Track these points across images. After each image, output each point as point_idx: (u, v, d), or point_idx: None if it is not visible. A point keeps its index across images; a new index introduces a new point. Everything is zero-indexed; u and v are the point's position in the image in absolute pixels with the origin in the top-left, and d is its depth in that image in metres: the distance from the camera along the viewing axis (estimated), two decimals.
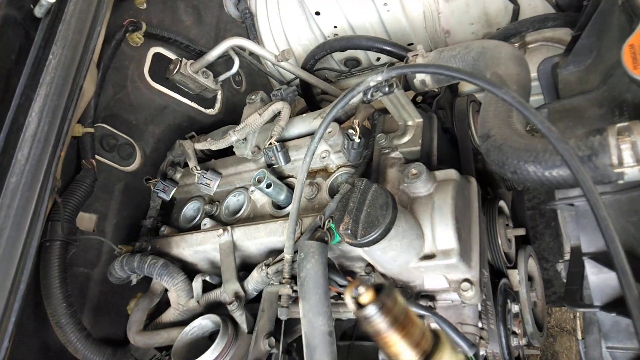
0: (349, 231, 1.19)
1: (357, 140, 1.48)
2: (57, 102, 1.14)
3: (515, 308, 1.70)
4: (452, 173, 1.36)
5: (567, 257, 1.78)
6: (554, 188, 1.10)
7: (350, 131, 1.49)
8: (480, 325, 1.46)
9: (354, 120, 1.49)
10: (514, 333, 1.67)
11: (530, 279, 2.02)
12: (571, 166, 0.96)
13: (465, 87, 2.23)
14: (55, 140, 1.11)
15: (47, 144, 1.10)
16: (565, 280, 1.69)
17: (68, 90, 1.17)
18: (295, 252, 1.38)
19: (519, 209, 2.37)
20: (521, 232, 1.87)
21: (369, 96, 1.25)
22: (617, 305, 1.20)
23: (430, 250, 1.29)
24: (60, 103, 1.15)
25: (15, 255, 1.00)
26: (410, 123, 1.46)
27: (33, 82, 1.19)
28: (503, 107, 1.19)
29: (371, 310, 0.48)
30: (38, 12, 1.28)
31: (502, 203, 1.87)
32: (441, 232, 1.28)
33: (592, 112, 1.25)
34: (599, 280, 1.23)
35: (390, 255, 1.28)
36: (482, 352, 1.52)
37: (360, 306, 0.50)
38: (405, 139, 1.44)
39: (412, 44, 2.40)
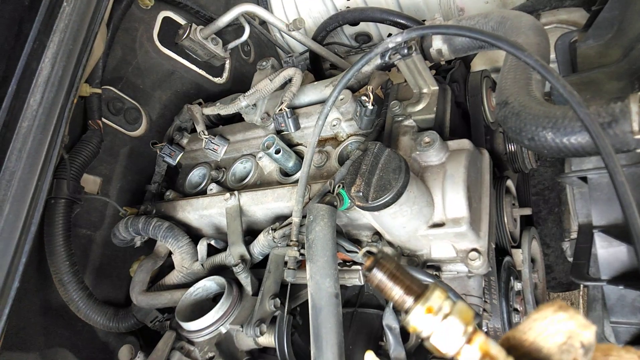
0: (361, 194, 1.18)
1: (370, 107, 1.47)
2: (72, 47, 1.12)
3: (518, 286, 1.71)
4: (465, 143, 1.35)
5: (573, 236, 1.79)
6: (571, 156, 1.09)
7: (364, 98, 1.47)
8: (483, 298, 1.47)
9: (368, 87, 1.48)
10: (516, 310, 1.67)
11: (532, 260, 2.02)
12: (591, 131, 0.95)
13: (477, 66, 2.21)
14: (69, 86, 1.10)
15: (61, 89, 1.08)
16: (570, 259, 1.70)
17: (82, 37, 1.15)
18: (304, 216, 1.37)
19: (524, 192, 2.37)
20: (527, 211, 1.87)
21: (386, 59, 1.24)
22: (625, 278, 1.20)
23: (440, 218, 1.29)
24: (75, 49, 1.13)
25: (27, 198, 0.99)
26: (425, 90, 1.44)
27: (46, 27, 1.17)
28: (522, 74, 1.17)
29: (371, 267, 0.62)
30: None
31: (509, 182, 1.87)
32: (452, 200, 1.27)
33: (611, 86, 1.24)
34: (608, 254, 1.23)
35: (400, 222, 1.27)
36: (483, 327, 1.53)
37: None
38: (420, 107, 1.43)
39: (425, 20, 2.37)
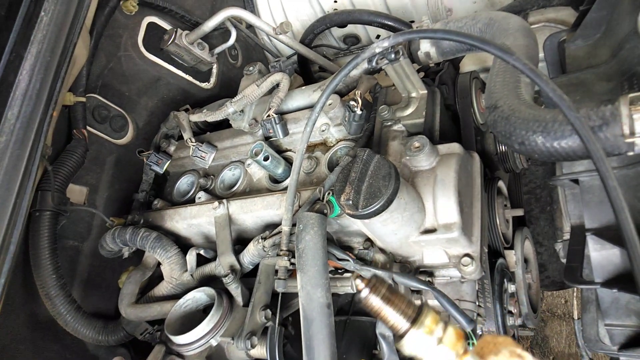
0: (350, 202, 1.16)
1: (358, 112, 1.45)
2: (50, 59, 1.09)
3: (511, 288, 1.70)
4: (455, 147, 1.33)
5: (566, 236, 1.78)
6: (562, 160, 1.07)
7: (352, 103, 1.45)
8: (477, 302, 1.45)
9: (356, 92, 1.46)
10: (510, 312, 1.66)
11: (525, 260, 2.01)
12: (582, 135, 0.94)
13: (466, 67, 2.19)
14: (47, 99, 1.06)
15: (39, 102, 1.05)
16: (563, 260, 1.69)
17: (61, 47, 1.12)
18: (294, 224, 1.35)
19: (516, 192, 2.36)
20: (519, 212, 1.86)
21: (373, 63, 1.22)
22: (618, 281, 1.19)
23: (431, 224, 1.27)
24: (53, 61, 1.10)
25: (5, 216, 0.96)
26: (414, 94, 1.42)
27: (24, 38, 1.13)
28: (511, 77, 1.16)
29: (365, 292, 0.66)
30: None
31: (500, 183, 1.85)
32: (443, 206, 1.25)
33: (601, 86, 1.23)
34: (601, 256, 1.22)
35: (391, 228, 1.25)
36: (478, 330, 1.52)
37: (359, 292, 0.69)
38: (409, 111, 1.41)
39: (413, 21, 2.35)
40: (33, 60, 1.11)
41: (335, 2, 2.38)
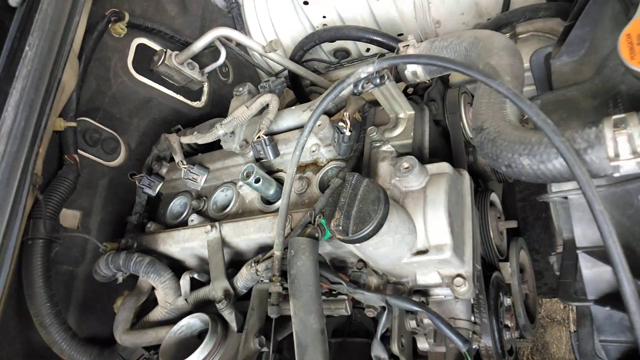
0: (340, 227, 1.16)
1: (347, 133, 1.45)
2: (35, 96, 1.09)
3: (507, 301, 1.70)
4: (444, 166, 1.33)
5: (559, 249, 1.77)
6: (549, 181, 1.08)
7: (341, 124, 1.45)
8: (472, 319, 1.45)
9: (345, 113, 1.46)
10: (507, 326, 1.66)
11: (521, 270, 2.02)
12: (567, 159, 0.94)
13: (456, 78, 2.20)
14: (32, 136, 1.06)
15: (24, 140, 1.05)
16: (557, 273, 1.68)
17: (46, 83, 1.12)
18: (286, 248, 1.34)
19: (510, 201, 2.37)
20: (513, 224, 1.86)
21: (359, 88, 1.22)
22: (611, 299, 1.19)
23: (423, 245, 1.27)
24: (38, 97, 1.10)
25: None
26: (401, 115, 1.43)
27: (8, 75, 1.13)
28: (496, 98, 1.16)
29: None
30: (13, 1, 1.22)
31: (493, 196, 1.86)
32: (434, 227, 1.25)
33: (587, 104, 1.23)
34: (593, 274, 1.22)
35: (383, 251, 1.25)
36: (474, 346, 1.52)
37: None
38: (397, 132, 1.41)
39: (402, 34, 2.36)
40: (18, 96, 1.11)
41: (324, 17, 2.39)
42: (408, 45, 1.45)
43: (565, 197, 1.32)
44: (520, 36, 2.19)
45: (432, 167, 1.35)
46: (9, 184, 1.01)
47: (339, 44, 2.49)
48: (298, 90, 2.38)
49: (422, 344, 1.46)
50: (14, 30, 1.20)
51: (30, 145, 1.05)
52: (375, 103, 1.62)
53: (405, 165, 1.31)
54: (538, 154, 1.01)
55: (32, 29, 1.17)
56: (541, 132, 1.00)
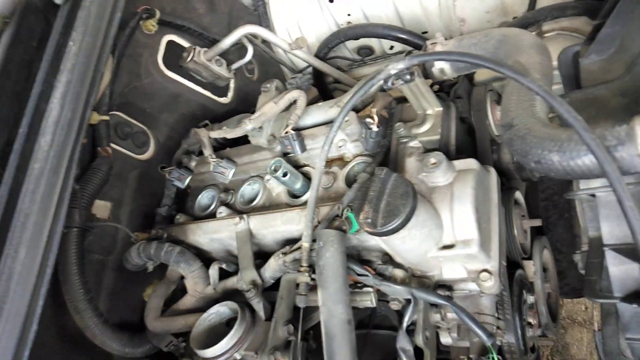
0: (369, 220, 1.19)
1: (375, 129, 1.47)
2: (79, 88, 1.14)
3: (530, 299, 1.70)
4: (471, 163, 1.35)
5: (584, 248, 1.77)
6: (578, 178, 1.09)
7: (369, 120, 1.48)
8: (496, 315, 1.47)
9: (372, 109, 1.49)
10: (529, 324, 1.67)
11: (544, 270, 2.01)
12: (597, 156, 0.96)
13: (480, 77, 2.20)
14: (78, 127, 1.12)
15: (70, 130, 1.10)
16: (582, 271, 1.68)
17: (90, 77, 1.17)
18: (314, 240, 1.38)
19: (533, 200, 2.36)
20: (537, 222, 1.86)
21: (389, 84, 1.25)
22: (638, 296, 1.20)
23: (449, 239, 1.29)
24: (82, 89, 1.15)
25: (41, 241, 1.01)
26: (429, 112, 1.45)
27: (54, 68, 1.19)
28: (526, 95, 1.17)
29: None
30: None
31: (518, 194, 1.86)
32: (461, 222, 1.27)
33: (616, 102, 1.23)
34: (620, 271, 1.23)
35: (410, 245, 1.28)
36: (497, 342, 1.53)
37: None
38: (425, 128, 1.43)
39: (426, 32, 2.37)
40: (63, 89, 1.16)
41: (349, 15, 2.41)
42: (436, 42, 1.47)
43: (593, 195, 1.32)
44: (546, 35, 2.18)
45: (459, 164, 1.37)
46: (57, 173, 1.06)
47: (362, 41, 2.51)
48: (321, 87, 2.41)
49: (445, 339, 1.48)
50: (59, 27, 1.25)
51: (76, 134, 1.10)
52: (401, 100, 1.64)
53: (433, 161, 1.33)
54: (568, 151, 1.02)
55: (76, 25, 1.23)
56: (571, 129, 1.02)
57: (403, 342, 1.31)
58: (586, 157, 1.00)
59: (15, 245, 1.01)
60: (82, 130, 1.13)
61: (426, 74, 1.55)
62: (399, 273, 1.38)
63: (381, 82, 1.26)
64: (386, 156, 1.50)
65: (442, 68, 1.48)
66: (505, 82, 1.28)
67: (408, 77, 1.23)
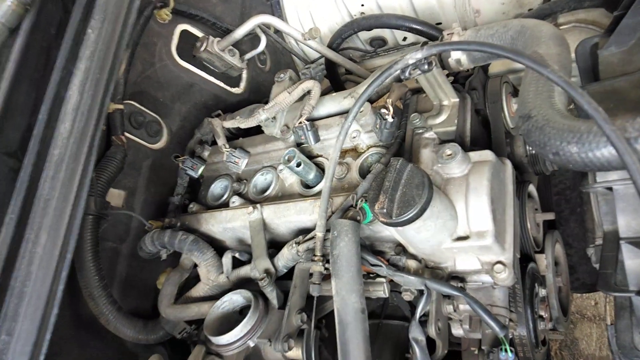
0: (385, 210, 1.19)
1: (390, 119, 1.47)
2: (98, 75, 1.15)
3: (542, 292, 1.70)
4: (487, 154, 1.35)
5: (598, 242, 1.77)
6: (597, 170, 1.08)
7: (383, 110, 1.48)
8: (509, 307, 1.47)
9: (387, 100, 1.48)
10: (541, 317, 1.67)
11: (556, 264, 2.01)
12: (618, 148, 0.95)
13: (495, 69, 2.19)
14: (97, 114, 1.13)
15: (90, 118, 1.11)
16: (595, 265, 1.68)
17: (108, 64, 1.18)
18: (327, 230, 1.39)
19: (546, 194, 2.35)
20: (550, 216, 1.85)
21: (407, 74, 1.24)
22: None
23: (464, 231, 1.29)
24: (101, 77, 1.16)
25: (62, 226, 1.03)
26: (445, 103, 1.44)
27: (73, 56, 1.20)
28: (544, 86, 1.16)
29: None
30: None
31: (531, 187, 1.85)
32: (476, 213, 1.27)
33: (635, 94, 1.22)
34: (636, 264, 1.22)
35: (424, 236, 1.28)
36: (509, 335, 1.53)
37: None
38: (441, 119, 1.43)
39: (440, 23, 2.36)
40: (82, 76, 1.17)
41: (363, 5, 2.40)
42: (452, 32, 1.46)
43: (609, 188, 1.32)
44: (562, 27, 2.15)
45: (475, 155, 1.36)
46: (77, 159, 1.07)
47: (375, 32, 2.50)
48: (334, 78, 2.41)
49: (457, 330, 1.49)
50: (78, 14, 1.26)
51: (96, 121, 1.11)
52: (416, 91, 1.63)
53: (448, 152, 1.33)
54: (587, 142, 1.01)
55: (94, 12, 1.23)
56: (591, 120, 1.01)
57: (416, 333, 1.32)
58: (606, 149, 0.99)
59: (36, 230, 1.02)
60: (101, 118, 1.14)
61: (442, 64, 1.54)
62: (412, 264, 1.39)
63: (398, 72, 1.25)
64: (401, 147, 1.50)
65: (458, 59, 1.47)
66: (522, 74, 1.27)
67: (426, 67, 1.22)
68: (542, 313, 1.69)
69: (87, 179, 1.08)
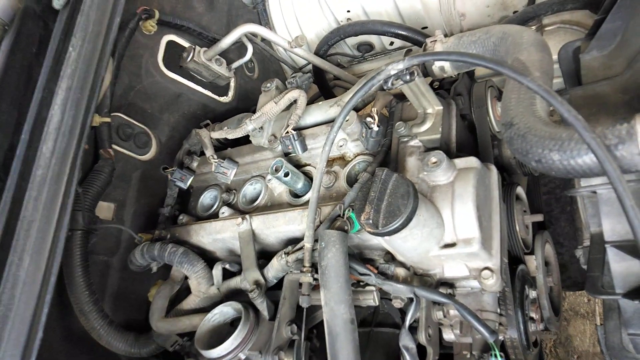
0: (371, 221, 1.20)
1: (375, 128, 1.47)
2: (80, 94, 1.15)
3: (532, 294, 1.71)
4: (472, 161, 1.35)
5: (586, 243, 1.78)
6: (579, 177, 1.09)
7: (369, 119, 1.48)
8: (498, 311, 1.47)
9: (372, 108, 1.49)
10: (532, 319, 1.68)
11: (546, 264, 2.02)
12: (598, 155, 0.96)
13: (482, 72, 2.20)
14: (79, 133, 1.12)
15: (72, 137, 1.11)
16: (583, 266, 1.69)
17: (90, 82, 1.17)
18: (316, 240, 1.39)
19: (535, 194, 2.36)
20: (539, 218, 1.86)
21: (389, 84, 1.24)
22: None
23: (450, 238, 1.30)
24: (83, 95, 1.15)
25: (45, 248, 1.02)
26: (429, 111, 1.45)
27: (54, 74, 1.19)
28: (526, 94, 1.17)
29: None
30: (56, 3, 1.28)
31: (519, 189, 1.86)
32: (462, 221, 1.28)
33: (617, 99, 1.23)
34: (622, 268, 1.23)
35: (411, 244, 1.28)
36: (500, 338, 1.54)
37: None
38: (425, 127, 1.43)
39: (426, 27, 2.36)
40: (64, 95, 1.17)
41: (349, 12, 2.40)
42: (435, 40, 1.47)
43: (594, 192, 1.32)
44: (546, 28, 2.17)
45: (460, 162, 1.37)
46: (59, 179, 1.07)
47: (362, 37, 2.50)
48: (322, 85, 2.41)
49: (448, 335, 1.49)
50: (58, 32, 1.26)
51: (78, 141, 1.11)
52: (402, 98, 1.64)
53: (433, 160, 1.33)
54: (569, 150, 1.02)
55: (75, 30, 1.23)
56: (572, 128, 1.02)
57: (406, 340, 1.32)
58: (587, 156, 1.00)
59: (19, 253, 1.02)
60: (83, 136, 1.14)
61: (426, 72, 1.55)
62: (401, 272, 1.39)
63: (381, 82, 1.26)
64: (387, 155, 1.50)
65: (442, 66, 1.48)
66: (505, 79, 1.28)
67: (408, 77, 1.22)
68: (533, 315, 1.69)
69: (70, 199, 1.08)
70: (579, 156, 1.01)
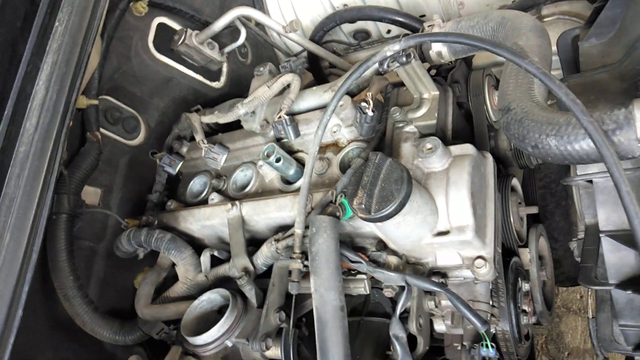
0: (363, 206, 1.17)
1: (370, 113, 1.44)
2: (65, 70, 1.10)
3: (525, 286, 1.70)
4: (468, 148, 1.33)
5: (580, 235, 1.77)
6: (576, 163, 1.07)
7: (363, 104, 1.45)
8: (491, 302, 1.46)
9: (367, 93, 1.45)
10: (524, 311, 1.66)
11: (540, 257, 2.01)
12: (595, 140, 0.94)
13: (479, 61, 2.17)
14: (64, 109, 1.08)
15: (56, 113, 1.07)
16: (577, 259, 1.68)
17: (76, 58, 1.13)
18: (306, 227, 1.36)
19: (531, 188, 2.34)
20: (534, 210, 1.85)
21: (385, 67, 1.21)
22: (633, 283, 1.19)
23: (444, 226, 1.27)
24: (68, 71, 1.11)
25: (27, 226, 0.98)
26: (426, 96, 1.42)
27: (40, 49, 1.15)
28: (524, 79, 1.15)
29: None
30: None
31: (514, 181, 1.84)
32: (456, 208, 1.25)
33: (615, 86, 1.21)
34: (616, 257, 1.22)
35: (404, 231, 1.26)
36: (492, 330, 1.52)
37: None
38: (421, 113, 1.40)
39: (424, 15, 2.33)
40: (49, 70, 1.12)
41: None
42: (433, 24, 1.44)
43: (590, 181, 1.31)
44: (545, 19, 2.15)
45: (456, 149, 1.34)
46: (42, 156, 1.03)
47: (359, 25, 2.46)
48: (316, 72, 2.37)
49: (439, 326, 1.48)
50: (44, 6, 1.21)
51: (62, 118, 1.07)
52: (397, 84, 1.61)
53: (429, 146, 1.31)
54: (566, 135, 1.00)
55: (62, 4, 1.18)
56: (569, 113, 1.00)
57: (396, 329, 1.30)
58: (584, 141, 0.99)
59: (0, 230, 0.98)
60: (68, 113, 1.10)
61: (423, 57, 1.52)
62: (392, 260, 1.37)
63: (377, 64, 1.22)
64: (382, 141, 1.48)
65: (439, 51, 1.45)
66: (504, 67, 1.25)
67: (404, 59, 1.19)
68: (525, 307, 1.68)
69: (53, 177, 1.04)
70: (576, 141, 1.00)
